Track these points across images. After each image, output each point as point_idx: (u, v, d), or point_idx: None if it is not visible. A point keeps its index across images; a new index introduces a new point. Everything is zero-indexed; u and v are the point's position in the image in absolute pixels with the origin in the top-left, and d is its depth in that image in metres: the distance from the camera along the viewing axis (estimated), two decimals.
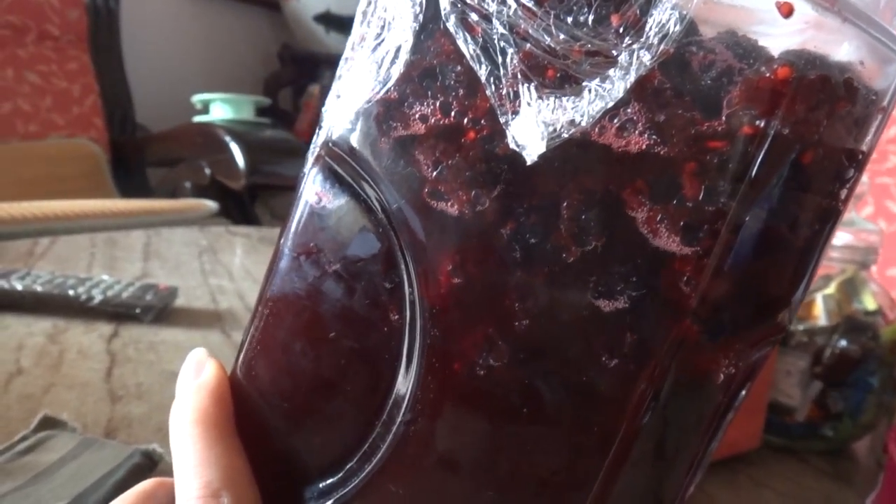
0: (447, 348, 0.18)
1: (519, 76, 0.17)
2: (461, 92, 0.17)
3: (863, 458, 0.51)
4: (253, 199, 1.65)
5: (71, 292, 0.59)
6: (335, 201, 0.19)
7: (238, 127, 1.59)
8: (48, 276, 0.62)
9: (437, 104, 0.18)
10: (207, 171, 1.55)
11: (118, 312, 0.59)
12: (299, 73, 2.24)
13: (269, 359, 0.20)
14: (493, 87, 0.17)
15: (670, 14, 0.16)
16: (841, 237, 0.50)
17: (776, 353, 0.47)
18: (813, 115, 0.16)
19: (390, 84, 0.18)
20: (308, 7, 2.07)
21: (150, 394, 0.46)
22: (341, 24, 2.06)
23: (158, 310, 0.60)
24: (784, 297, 0.18)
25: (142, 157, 1.77)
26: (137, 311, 0.59)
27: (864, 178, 0.51)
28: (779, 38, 0.16)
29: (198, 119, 1.68)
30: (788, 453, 0.49)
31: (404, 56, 0.18)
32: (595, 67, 0.16)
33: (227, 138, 1.50)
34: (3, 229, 0.89)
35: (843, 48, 0.17)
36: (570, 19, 0.16)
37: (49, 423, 0.39)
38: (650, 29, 0.16)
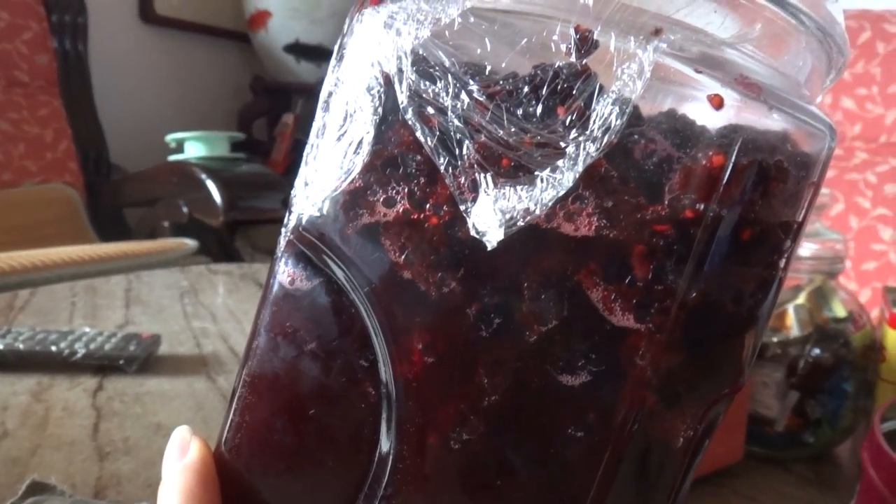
0: (422, 423, 0.19)
1: (475, 166, 0.18)
2: (423, 180, 0.18)
3: (845, 462, 0.53)
4: (232, 234, 1.65)
5: (53, 348, 0.59)
6: (308, 283, 0.20)
7: (213, 164, 1.59)
8: (29, 333, 0.62)
9: (401, 192, 0.19)
10: (185, 209, 1.55)
11: (102, 365, 0.59)
12: (272, 103, 2.25)
13: (251, 436, 0.21)
14: (451, 176, 0.18)
15: (611, 108, 0.17)
16: (807, 247, 0.52)
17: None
18: (748, 196, 0.17)
19: (355, 173, 0.19)
20: (277, 38, 2.08)
21: (138, 448, 0.46)
22: (311, 54, 2.07)
23: (142, 360, 0.60)
24: (734, 362, 0.19)
25: (118, 199, 1.77)
26: (121, 362, 0.59)
27: (825, 189, 0.52)
28: (716, 115, 0.17)
29: (173, 158, 1.68)
30: (772, 463, 0.50)
31: (366, 146, 0.19)
32: (545, 158, 0.17)
33: (203, 176, 1.50)
34: None
35: (773, 125, 0.18)
36: (519, 112, 0.17)
37: (37, 489, 0.39)
38: (594, 122, 0.17)
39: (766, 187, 0.18)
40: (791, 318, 0.50)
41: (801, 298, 0.51)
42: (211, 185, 1.49)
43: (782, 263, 0.19)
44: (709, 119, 0.17)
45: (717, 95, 0.17)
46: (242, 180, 1.60)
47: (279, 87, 2.22)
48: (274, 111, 2.24)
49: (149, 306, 0.83)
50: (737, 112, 0.17)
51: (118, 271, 1.04)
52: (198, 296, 0.89)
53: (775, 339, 0.50)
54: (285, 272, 0.21)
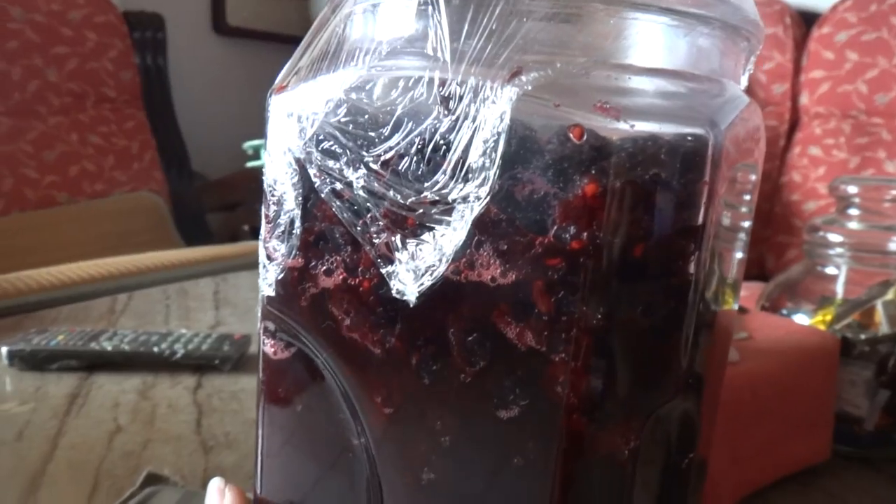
0: (395, 466, 0.21)
1: (386, 231, 0.19)
2: (350, 248, 0.20)
3: None
4: None
5: (155, 349, 0.64)
6: (286, 352, 0.23)
7: None
8: (133, 335, 0.67)
9: (336, 261, 0.20)
10: None
11: (199, 364, 0.64)
12: None
13: (273, 481, 0.24)
14: (368, 243, 0.19)
15: (481, 160, 0.18)
16: None
17: (838, 365, 0.48)
18: (629, 216, 0.18)
19: (295, 251, 0.21)
20: None
21: (238, 442, 0.50)
22: None
23: (235, 359, 0.64)
24: (666, 370, 0.20)
25: (201, 205, 1.85)
26: (217, 361, 0.63)
27: None
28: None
29: (250, 164, 1.74)
30: (861, 463, 0.49)
31: (298, 225, 0.21)
32: (442, 213, 0.18)
33: None
34: (87, 289, 0.95)
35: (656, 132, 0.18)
36: (410, 174, 0.18)
37: (153, 480, 0.42)
38: (471, 173, 0.18)
39: (647, 202, 0.18)
40: (880, 315, 0.49)
41: (891, 294, 0.49)
42: None
43: (691, 268, 0.19)
44: (592, 137, 0.17)
45: (577, 127, 0.17)
46: None
47: None
48: None
49: (237, 307, 0.88)
50: (610, 133, 0.17)
51: (205, 274, 1.09)
52: None
53: (863, 337, 0.48)
54: (267, 343, 0.23)
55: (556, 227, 0.18)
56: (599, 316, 0.18)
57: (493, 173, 0.18)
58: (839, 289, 0.52)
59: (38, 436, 0.50)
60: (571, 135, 0.17)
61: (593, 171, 0.17)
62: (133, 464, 0.46)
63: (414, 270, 0.19)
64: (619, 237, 0.18)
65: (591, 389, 0.18)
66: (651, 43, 0.19)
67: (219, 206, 1.81)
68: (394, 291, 0.19)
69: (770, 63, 1.57)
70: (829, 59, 1.51)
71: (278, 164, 0.21)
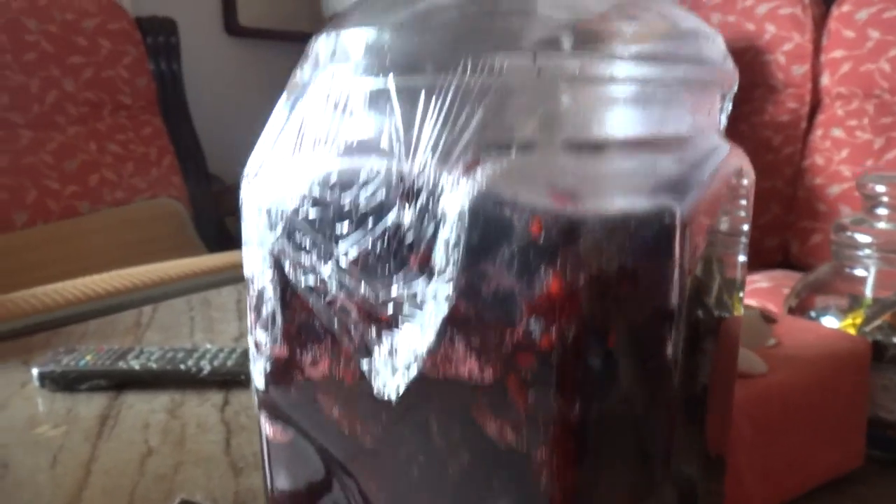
0: None
1: (361, 325, 0.19)
2: (330, 341, 0.20)
3: None
4: None
5: (182, 366, 0.64)
6: (284, 436, 0.23)
7: None
8: (159, 353, 0.68)
9: (320, 350, 0.20)
10: None
11: (226, 380, 0.64)
12: None
13: None
14: (345, 337, 0.19)
15: (444, 254, 0.17)
16: None
17: (870, 369, 0.47)
18: (598, 306, 0.17)
19: (279, 340, 0.21)
20: None
21: None
22: None
23: None
24: (654, 452, 0.19)
25: (219, 209, 1.86)
26: (243, 377, 0.63)
27: None
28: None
29: None
30: (895, 468, 0.48)
31: (279, 317, 0.21)
32: (414, 307, 0.18)
33: None
34: (112, 302, 0.96)
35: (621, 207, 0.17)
36: (378, 270, 0.18)
37: None
38: (437, 267, 0.17)
39: (615, 292, 0.17)
40: None
41: None
42: None
43: (669, 351, 0.19)
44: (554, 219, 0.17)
45: (535, 222, 0.17)
46: None
47: None
48: None
49: None
50: (573, 217, 0.16)
51: (227, 282, 1.10)
52: None
53: (895, 340, 0.48)
54: (266, 426, 0.23)
55: (523, 325, 0.17)
56: (577, 411, 0.17)
57: (457, 270, 0.17)
58: (868, 291, 0.51)
59: (72, 462, 0.50)
60: (532, 231, 0.17)
61: (557, 265, 0.17)
62: (166, 487, 0.47)
63: (392, 367, 0.18)
64: (588, 330, 0.17)
65: (579, 482, 0.18)
66: (611, 113, 0.18)
67: (237, 210, 1.82)
68: (375, 391, 0.19)
69: (789, 44, 1.54)
70: (850, 38, 1.47)
71: (254, 257, 0.21)
